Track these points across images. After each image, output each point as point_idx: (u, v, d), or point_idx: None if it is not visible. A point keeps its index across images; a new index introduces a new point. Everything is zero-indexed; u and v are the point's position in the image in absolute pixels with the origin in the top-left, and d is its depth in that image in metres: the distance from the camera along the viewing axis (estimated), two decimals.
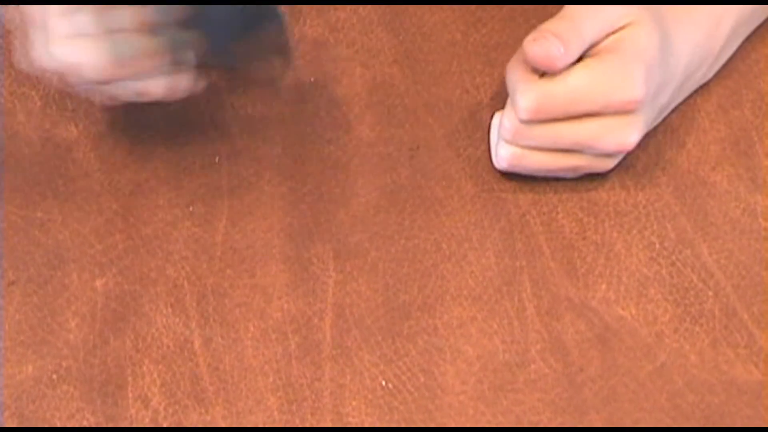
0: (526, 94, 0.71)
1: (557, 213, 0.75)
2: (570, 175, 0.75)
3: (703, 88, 0.79)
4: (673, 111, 0.78)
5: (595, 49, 0.71)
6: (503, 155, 0.74)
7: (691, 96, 0.78)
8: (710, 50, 0.76)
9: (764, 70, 0.79)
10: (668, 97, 0.75)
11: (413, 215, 0.76)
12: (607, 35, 0.71)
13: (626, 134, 0.71)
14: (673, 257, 0.74)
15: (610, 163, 0.74)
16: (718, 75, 0.79)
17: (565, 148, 0.73)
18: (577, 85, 0.70)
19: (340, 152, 0.77)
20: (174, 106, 0.79)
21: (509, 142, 0.73)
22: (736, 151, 0.77)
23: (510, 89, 0.72)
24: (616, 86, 0.70)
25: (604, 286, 0.73)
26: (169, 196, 0.76)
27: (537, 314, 0.72)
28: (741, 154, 0.77)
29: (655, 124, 0.77)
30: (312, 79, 0.80)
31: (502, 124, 0.73)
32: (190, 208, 0.76)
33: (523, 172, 0.75)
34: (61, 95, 0.79)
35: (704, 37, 0.75)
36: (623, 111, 0.71)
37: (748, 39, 0.79)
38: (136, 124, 0.78)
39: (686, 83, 0.76)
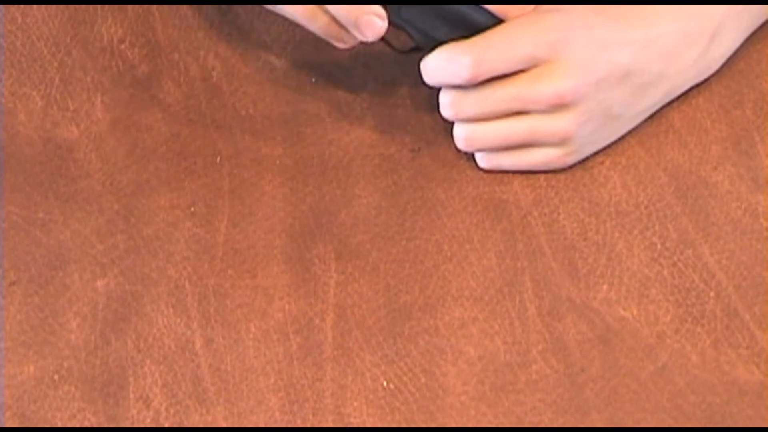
0: (465, 50, 0.72)
1: (558, 214, 0.75)
2: (541, 161, 0.76)
3: (704, 88, 0.78)
4: (673, 111, 0.78)
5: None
6: (458, 135, 0.76)
7: (692, 96, 0.78)
8: (700, 27, 0.75)
9: (766, 69, 0.79)
10: (628, 56, 0.74)
11: (414, 216, 0.76)
12: None
13: (560, 79, 0.72)
14: (675, 258, 0.74)
15: (566, 123, 0.74)
16: (719, 74, 0.79)
17: (506, 107, 0.73)
18: (508, 32, 0.72)
19: (342, 153, 0.77)
20: (175, 107, 0.79)
21: (454, 118, 0.75)
22: (737, 151, 0.77)
23: (445, 61, 0.73)
24: (538, 30, 0.72)
25: (605, 287, 0.73)
26: (171, 197, 0.76)
27: (538, 315, 0.72)
28: (742, 154, 0.77)
29: (646, 101, 0.76)
30: (313, 80, 0.80)
31: (440, 103, 0.75)
32: (192, 209, 0.76)
33: (486, 149, 0.76)
34: (63, 95, 0.79)
35: (685, 12, 0.75)
36: (552, 54, 0.72)
37: (749, 39, 0.79)
38: (137, 125, 0.78)
39: (673, 56, 0.75)
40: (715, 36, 0.76)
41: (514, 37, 0.72)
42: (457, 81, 0.73)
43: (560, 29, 0.72)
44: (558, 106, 0.72)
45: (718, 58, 0.78)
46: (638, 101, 0.76)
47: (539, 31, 0.72)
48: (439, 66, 0.73)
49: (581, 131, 0.74)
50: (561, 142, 0.74)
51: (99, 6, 0.82)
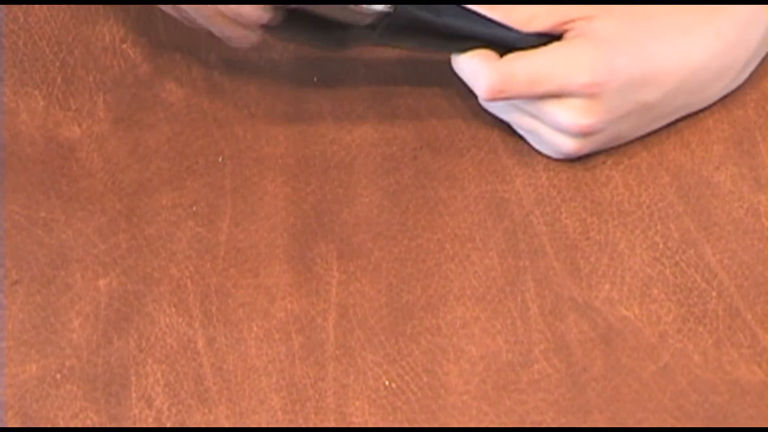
0: (488, 74, 0.71)
1: (561, 213, 0.75)
2: (541, 146, 0.76)
3: None
4: None
5: (565, 35, 0.73)
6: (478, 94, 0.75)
7: None
8: (734, 60, 0.75)
9: None
10: (657, 96, 0.73)
11: (416, 215, 0.75)
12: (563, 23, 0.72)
13: (580, 114, 0.71)
14: (677, 257, 0.74)
15: (568, 144, 0.73)
16: None
17: (522, 107, 0.73)
18: (539, 66, 0.71)
19: (344, 152, 0.77)
20: (177, 106, 0.79)
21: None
22: (739, 150, 0.77)
23: (468, 72, 0.72)
24: (575, 68, 0.71)
25: (607, 286, 0.73)
26: (173, 196, 0.76)
27: (540, 314, 0.72)
28: (744, 154, 0.77)
29: (657, 124, 0.76)
30: (315, 79, 0.80)
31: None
32: (194, 208, 0.76)
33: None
34: (65, 95, 0.79)
35: (727, 46, 0.74)
36: (582, 94, 0.71)
37: None
38: (140, 124, 0.78)
39: (702, 90, 0.75)
40: (745, 67, 0.75)
41: (544, 74, 0.71)
42: (474, 91, 0.73)
43: (602, 72, 0.71)
44: (572, 134, 0.72)
45: (740, 83, 0.77)
46: (651, 127, 0.75)
47: (576, 70, 0.71)
48: (462, 72, 0.73)
49: (583, 152, 0.74)
50: (559, 154, 0.74)
51: (101, 5, 0.82)
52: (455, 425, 0.69)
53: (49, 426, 0.69)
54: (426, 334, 0.72)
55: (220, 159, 0.77)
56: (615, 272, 0.73)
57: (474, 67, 0.72)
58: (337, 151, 0.77)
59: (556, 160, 0.76)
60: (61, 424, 0.69)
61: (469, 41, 0.72)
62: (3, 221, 0.75)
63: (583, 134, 0.72)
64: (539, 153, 0.76)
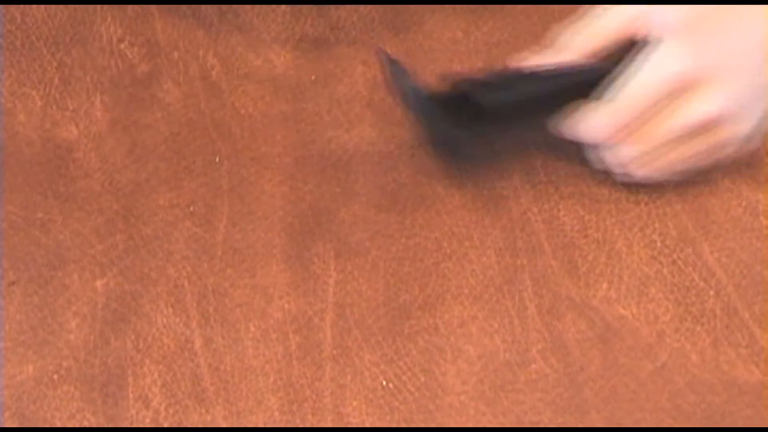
0: (599, 118, 0.71)
1: (558, 210, 0.75)
2: (714, 160, 0.74)
3: None
4: None
5: (640, 39, 0.71)
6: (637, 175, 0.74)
7: None
8: None
9: None
10: (762, 28, 0.70)
11: (414, 214, 0.75)
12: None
13: (704, 101, 0.70)
14: (675, 256, 0.73)
15: (732, 131, 0.71)
16: None
17: (665, 137, 0.72)
18: (640, 79, 0.70)
19: (341, 151, 0.77)
20: (174, 106, 0.79)
21: (623, 171, 0.74)
22: None
23: (580, 131, 0.72)
24: (662, 68, 0.70)
25: (605, 285, 0.73)
26: (170, 196, 0.76)
27: (538, 313, 0.72)
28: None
29: None
30: (313, 78, 0.80)
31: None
32: (191, 208, 0.76)
33: (662, 177, 0.75)
34: (62, 95, 0.79)
35: None
36: (691, 84, 0.70)
37: None
38: (137, 124, 0.78)
39: None
40: None
41: (649, 80, 0.70)
42: (600, 141, 0.73)
43: (698, 52, 0.69)
44: (732, 119, 0.71)
45: None
46: None
47: (675, 59, 0.69)
48: (575, 134, 0.72)
49: (757, 116, 0.72)
50: (752, 142, 0.73)
51: (98, 5, 0.82)
52: (452, 425, 0.69)
53: (46, 426, 0.69)
54: (423, 334, 0.72)
55: (217, 159, 0.77)
56: (613, 271, 0.73)
57: (582, 125, 0.72)
58: (334, 150, 0.77)
59: (554, 157, 0.76)
60: (59, 425, 0.69)
61: (559, 98, 0.72)
62: (0, 222, 0.75)
63: (738, 112, 0.70)
64: (537, 150, 0.76)
